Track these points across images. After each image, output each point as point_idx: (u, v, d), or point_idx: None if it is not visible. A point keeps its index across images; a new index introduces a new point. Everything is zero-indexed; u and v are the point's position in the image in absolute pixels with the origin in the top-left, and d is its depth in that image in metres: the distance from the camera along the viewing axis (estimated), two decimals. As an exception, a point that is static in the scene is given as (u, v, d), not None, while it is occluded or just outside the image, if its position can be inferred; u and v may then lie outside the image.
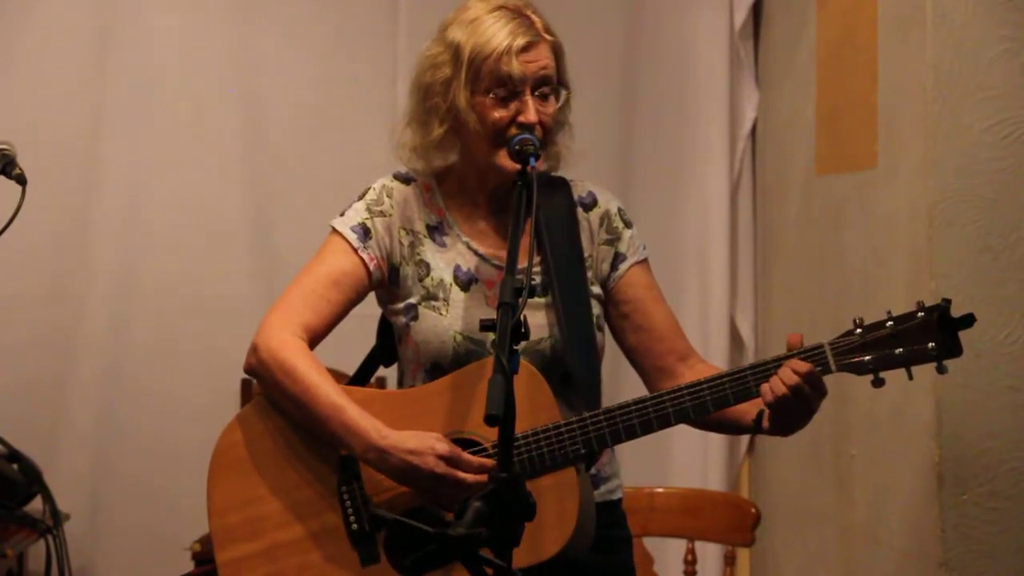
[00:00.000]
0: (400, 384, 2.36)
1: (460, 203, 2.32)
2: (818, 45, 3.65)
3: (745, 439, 4.09)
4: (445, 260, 2.28)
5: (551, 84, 2.21)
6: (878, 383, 2.09)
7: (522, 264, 2.14)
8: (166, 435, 3.89)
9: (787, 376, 2.07)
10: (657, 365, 2.33)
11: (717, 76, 4.07)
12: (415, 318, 2.26)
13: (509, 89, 2.17)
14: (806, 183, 3.73)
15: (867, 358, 2.10)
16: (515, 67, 2.16)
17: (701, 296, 4.07)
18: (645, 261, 2.36)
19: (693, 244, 4.11)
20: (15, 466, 3.41)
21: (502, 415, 1.75)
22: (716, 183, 4.07)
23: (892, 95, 3.18)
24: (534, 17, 2.22)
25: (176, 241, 3.95)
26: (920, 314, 2.08)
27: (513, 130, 2.18)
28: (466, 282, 2.27)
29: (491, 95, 2.17)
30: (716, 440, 3.97)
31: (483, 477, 2.08)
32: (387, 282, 2.29)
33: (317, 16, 4.06)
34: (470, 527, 1.67)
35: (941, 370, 2.08)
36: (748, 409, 2.19)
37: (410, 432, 2.12)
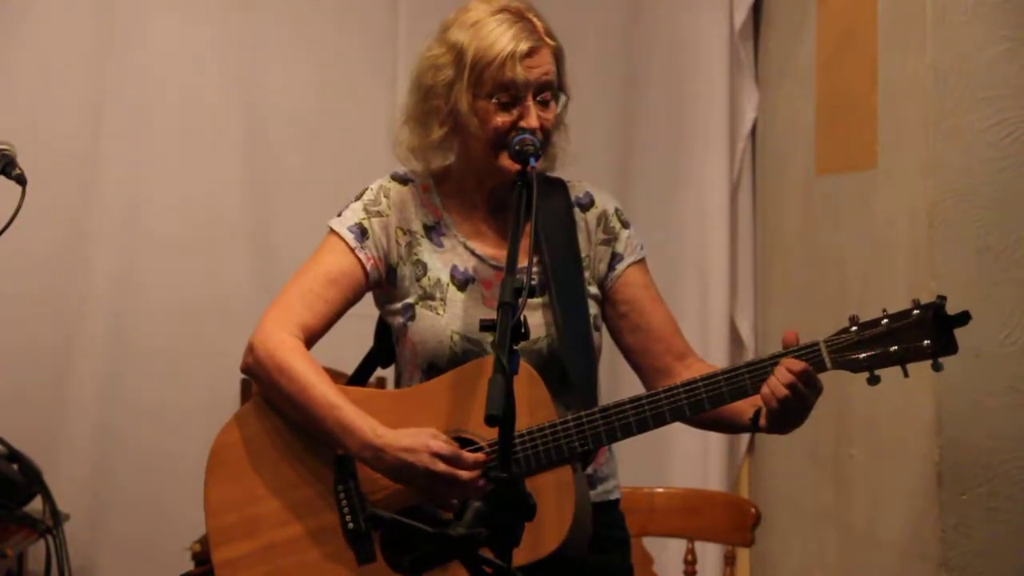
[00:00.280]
0: (397, 384, 2.36)
1: (457, 204, 2.32)
2: (818, 45, 3.65)
3: (745, 439, 4.09)
4: (442, 260, 2.28)
5: (552, 90, 2.21)
6: (873, 381, 2.09)
7: (521, 264, 2.14)
8: (166, 437, 3.88)
9: (783, 375, 2.08)
10: (655, 365, 2.33)
11: (717, 76, 4.07)
12: (412, 318, 2.26)
13: (512, 95, 2.18)
14: (806, 183, 3.73)
15: (862, 356, 2.10)
16: (519, 73, 2.16)
17: (701, 296, 4.07)
18: (643, 261, 2.36)
19: (693, 244, 4.11)
20: (15, 466, 3.41)
21: (502, 415, 1.75)
22: (716, 183, 4.07)
23: (892, 95, 3.18)
24: (536, 21, 2.22)
25: (176, 242, 3.95)
26: (915, 312, 2.08)
27: (514, 133, 2.18)
28: (463, 282, 2.27)
29: (494, 100, 2.18)
30: (716, 440, 3.97)
31: (477, 474, 2.09)
32: (384, 282, 2.29)
33: (317, 17, 4.06)
34: (470, 527, 1.67)
35: (937, 367, 2.08)
36: (744, 408, 2.19)
37: (405, 430, 2.12)
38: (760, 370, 2.12)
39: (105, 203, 3.90)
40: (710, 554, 3.87)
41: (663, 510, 3.13)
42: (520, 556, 1.77)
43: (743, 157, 4.11)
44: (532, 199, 2.07)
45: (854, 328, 2.11)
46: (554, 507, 2.10)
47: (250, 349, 2.22)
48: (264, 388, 2.23)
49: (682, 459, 4.05)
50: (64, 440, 3.87)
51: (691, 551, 3.14)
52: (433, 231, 2.30)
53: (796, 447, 3.67)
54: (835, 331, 2.12)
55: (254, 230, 4.00)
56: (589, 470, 2.25)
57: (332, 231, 2.29)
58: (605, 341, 2.35)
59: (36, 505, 3.44)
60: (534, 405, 2.13)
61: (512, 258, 2.03)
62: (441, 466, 2.09)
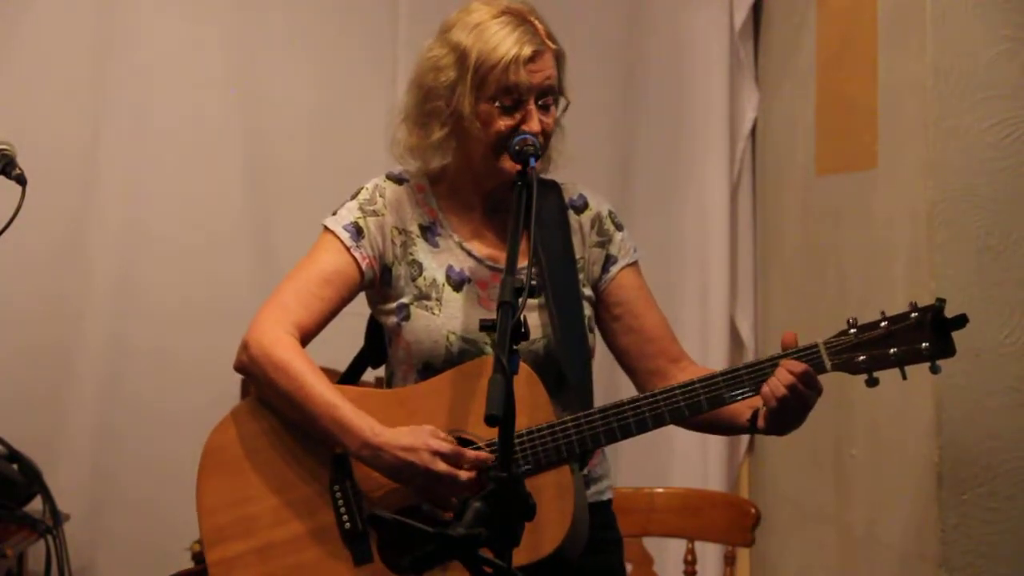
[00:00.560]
0: (388, 385, 2.35)
1: (453, 204, 2.32)
2: (818, 45, 3.65)
3: (745, 439, 4.09)
4: (438, 260, 2.28)
5: (554, 94, 2.22)
6: (872, 383, 2.10)
7: (519, 264, 2.14)
8: (166, 437, 3.87)
9: (784, 376, 2.08)
10: (649, 367, 2.33)
11: (717, 76, 4.07)
12: (407, 318, 2.26)
13: (514, 98, 2.18)
14: (806, 183, 3.73)
15: (861, 358, 2.11)
16: (522, 77, 2.16)
17: (701, 296, 4.07)
18: (636, 264, 2.37)
19: (693, 244, 4.11)
20: (15, 466, 3.41)
21: (502, 416, 1.75)
22: (716, 183, 4.07)
23: (892, 95, 3.18)
24: (538, 24, 2.22)
25: (176, 243, 3.94)
26: (914, 314, 2.09)
27: (515, 135, 2.18)
28: (459, 282, 2.27)
29: (496, 103, 2.18)
30: (716, 440, 3.97)
31: (474, 474, 2.09)
32: (379, 282, 2.29)
33: (317, 17, 4.06)
34: (470, 527, 1.67)
35: (934, 370, 2.09)
36: (742, 409, 2.20)
37: (404, 428, 2.12)
38: (759, 371, 2.12)
39: (105, 203, 3.90)
40: (710, 554, 3.87)
41: (663, 510, 3.13)
42: (520, 556, 1.77)
43: (743, 157, 4.11)
44: (532, 199, 2.07)
45: (853, 330, 2.12)
46: (554, 508, 2.10)
47: (245, 347, 2.21)
48: (259, 386, 2.22)
49: (682, 459, 4.05)
50: (64, 440, 3.87)
51: (691, 551, 3.14)
52: (428, 231, 2.30)
53: (796, 447, 3.67)
54: (834, 333, 2.12)
55: (254, 230, 3.99)
56: (584, 471, 2.25)
57: (328, 230, 2.29)
58: (597, 344, 2.35)
59: (36, 505, 3.44)
60: (533, 405, 2.13)
61: (512, 258, 2.03)
62: (442, 465, 2.09)
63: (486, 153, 2.21)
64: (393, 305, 2.28)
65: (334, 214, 2.31)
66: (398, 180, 2.34)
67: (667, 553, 3.72)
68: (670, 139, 4.13)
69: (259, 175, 4.00)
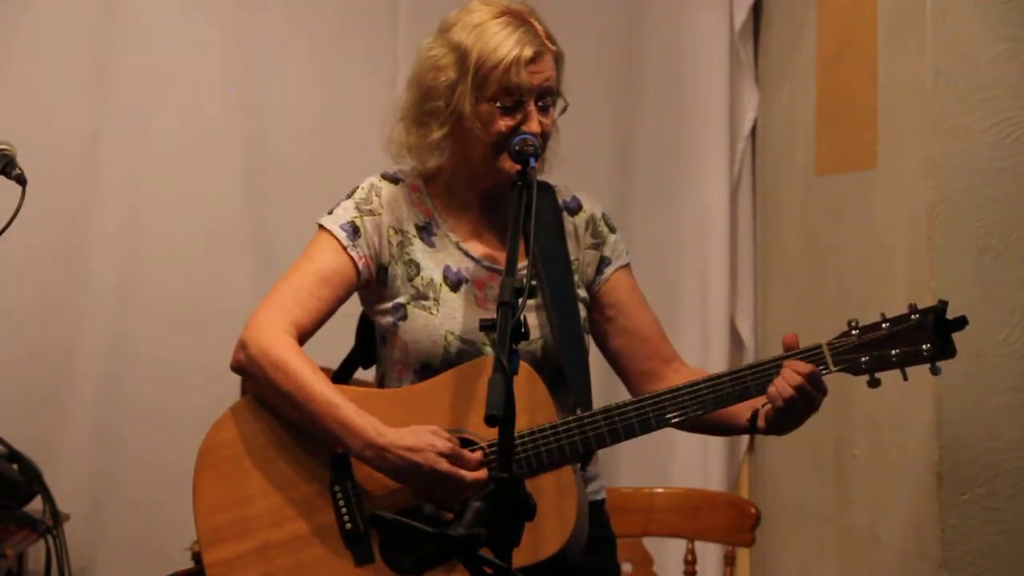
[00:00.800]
0: (381, 386, 2.35)
1: (449, 204, 2.32)
2: (818, 45, 3.65)
3: (745, 439, 4.09)
4: (435, 260, 2.28)
5: (553, 95, 2.22)
6: (874, 383, 2.11)
7: (518, 264, 2.14)
8: (166, 438, 3.86)
9: (791, 376, 2.09)
10: (642, 368, 2.34)
11: (717, 76, 4.06)
12: (404, 317, 2.25)
13: (515, 99, 2.18)
14: (806, 183, 3.73)
15: (864, 359, 2.12)
16: (523, 79, 2.17)
17: (701, 296, 4.07)
18: (628, 266, 2.38)
19: (693, 244, 4.10)
20: (15, 466, 3.41)
21: (502, 415, 1.75)
22: (716, 183, 4.07)
23: (892, 95, 3.18)
24: (537, 25, 2.23)
25: (176, 244, 3.93)
26: (914, 316, 2.10)
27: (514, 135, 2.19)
28: (456, 283, 2.27)
29: (497, 104, 2.18)
30: (716, 440, 3.97)
31: (483, 474, 2.09)
32: (375, 281, 2.28)
33: (317, 17, 4.05)
34: (470, 527, 1.67)
35: (935, 371, 2.11)
36: (741, 410, 2.20)
37: (407, 428, 2.12)
38: (764, 372, 2.13)
39: (105, 204, 3.89)
40: (710, 554, 3.87)
41: (663, 510, 3.13)
42: (520, 557, 1.77)
43: (743, 157, 4.11)
44: (532, 199, 2.08)
45: (855, 332, 2.13)
46: (554, 508, 2.10)
47: (242, 346, 2.20)
48: (257, 386, 2.21)
49: (682, 459, 4.05)
50: (64, 441, 3.86)
51: (691, 551, 3.14)
52: (424, 231, 2.30)
53: (796, 447, 3.67)
54: (835, 334, 2.13)
55: (254, 231, 3.98)
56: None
57: (324, 229, 2.28)
58: (590, 347, 2.35)
59: (36, 505, 3.43)
60: (534, 405, 2.13)
61: (512, 258, 2.03)
62: (445, 465, 2.08)
63: (486, 153, 2.21)
64: (389, 305, 2.28)
65: (330, 213, 2.30)
66: (393, 180, 2.34)
67: (667, 553, 3.71)
68: (670, 139, 4.13)
69: (259, 175, 3.99)
